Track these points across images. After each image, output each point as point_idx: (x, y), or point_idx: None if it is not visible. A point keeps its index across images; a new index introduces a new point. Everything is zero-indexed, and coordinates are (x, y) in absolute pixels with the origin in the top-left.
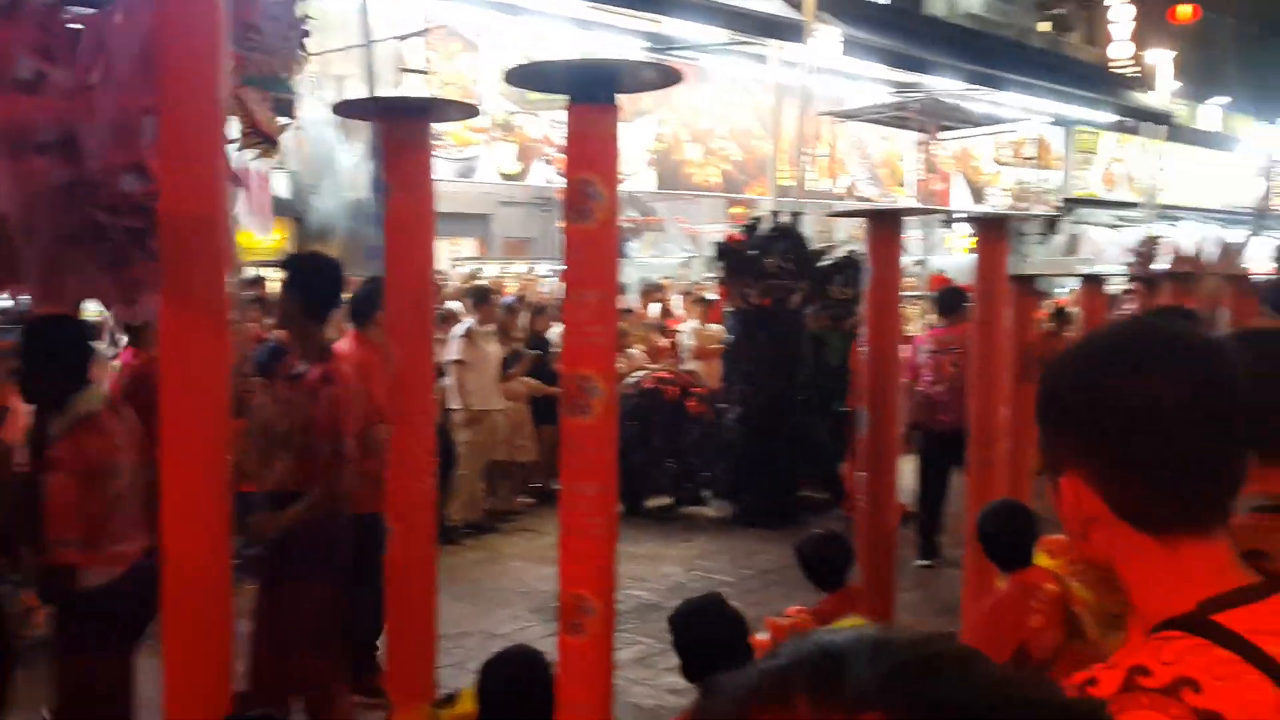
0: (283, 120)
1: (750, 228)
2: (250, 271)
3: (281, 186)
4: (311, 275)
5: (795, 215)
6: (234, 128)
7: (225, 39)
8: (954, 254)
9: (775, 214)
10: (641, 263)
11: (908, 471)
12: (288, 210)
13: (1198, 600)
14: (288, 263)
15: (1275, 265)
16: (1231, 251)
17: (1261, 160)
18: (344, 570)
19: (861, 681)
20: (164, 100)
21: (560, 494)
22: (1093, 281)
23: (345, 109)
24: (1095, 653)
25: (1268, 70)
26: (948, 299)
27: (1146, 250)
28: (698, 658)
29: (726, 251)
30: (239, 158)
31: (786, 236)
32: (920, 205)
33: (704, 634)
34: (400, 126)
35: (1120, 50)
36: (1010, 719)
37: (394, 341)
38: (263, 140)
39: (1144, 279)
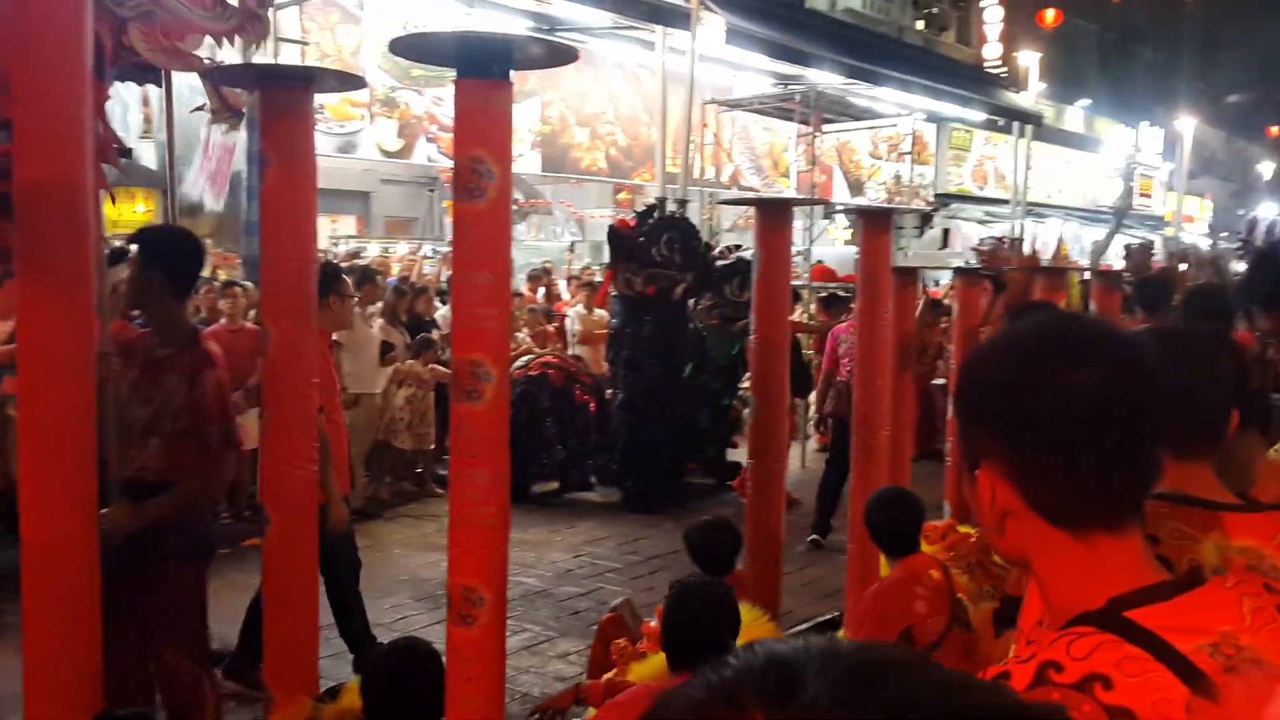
0: (152, 87)
1: (643, 215)
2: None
3: (149, 157)
4: (172, 250)
5: (682, 203)
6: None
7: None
8: (836, 245)
9: (663, 201)
10: (528, 246)
11: (795, 458)
12: (156, 182)
13: (1109, 596)
14: (143, 237)
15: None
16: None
17: (1122, 161)
18: (208, 562)
19: (813, 689)
20: (22, 61)
21: (450, 482)
22: (966, 275)
23: (220, 76)
24: (978, 640)
25: (1127, 75)
26: None
27: (994, 248)
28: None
29: (615, 236)
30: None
31: (675, 226)
32: (806, 196)
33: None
34: (280, 96)
35: (991, 51)
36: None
37: (270, 321)
38: (231, 114)
39: (993, 276)
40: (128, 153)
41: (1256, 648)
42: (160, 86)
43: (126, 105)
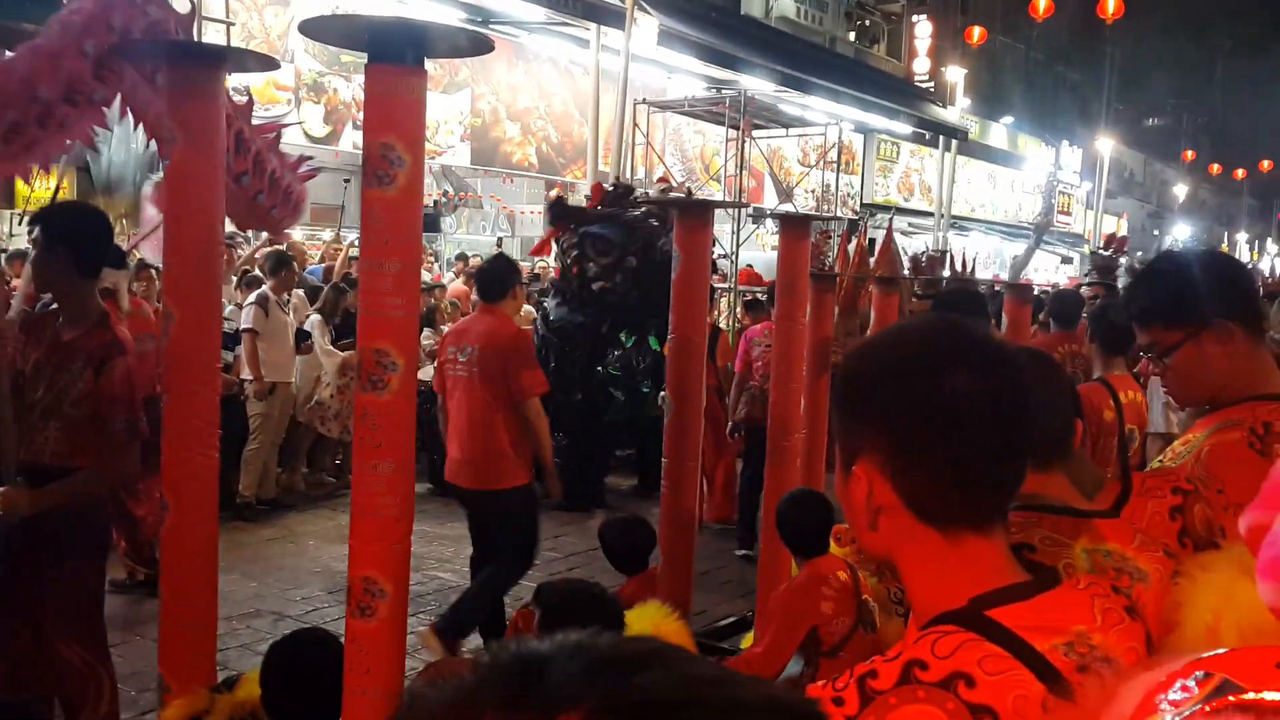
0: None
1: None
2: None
3: None
4: (80, 228)
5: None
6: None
7: None
8: (765, 250)
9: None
10: (457, 239)
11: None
12: (72, 160)
13: (970, 596)
14: (48, 215)
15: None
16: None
17: (1043, 178)
18: (104, 554)
19: (561, 682)
20: None
21: (353, 472)
22: (886, 284)
23: (131, 52)
24: (882, 641)
25: (1050, 94)
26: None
27: (927, 263)
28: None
29: (557, 205)
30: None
31: (595, 235)
32: (727, 199)
33: (579, 620)
34: (189, 74)
35: (920, 65)
36: (715, 711)
37: (173, 304)
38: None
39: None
40: None
41: (1107, 646)
42: None
43: None
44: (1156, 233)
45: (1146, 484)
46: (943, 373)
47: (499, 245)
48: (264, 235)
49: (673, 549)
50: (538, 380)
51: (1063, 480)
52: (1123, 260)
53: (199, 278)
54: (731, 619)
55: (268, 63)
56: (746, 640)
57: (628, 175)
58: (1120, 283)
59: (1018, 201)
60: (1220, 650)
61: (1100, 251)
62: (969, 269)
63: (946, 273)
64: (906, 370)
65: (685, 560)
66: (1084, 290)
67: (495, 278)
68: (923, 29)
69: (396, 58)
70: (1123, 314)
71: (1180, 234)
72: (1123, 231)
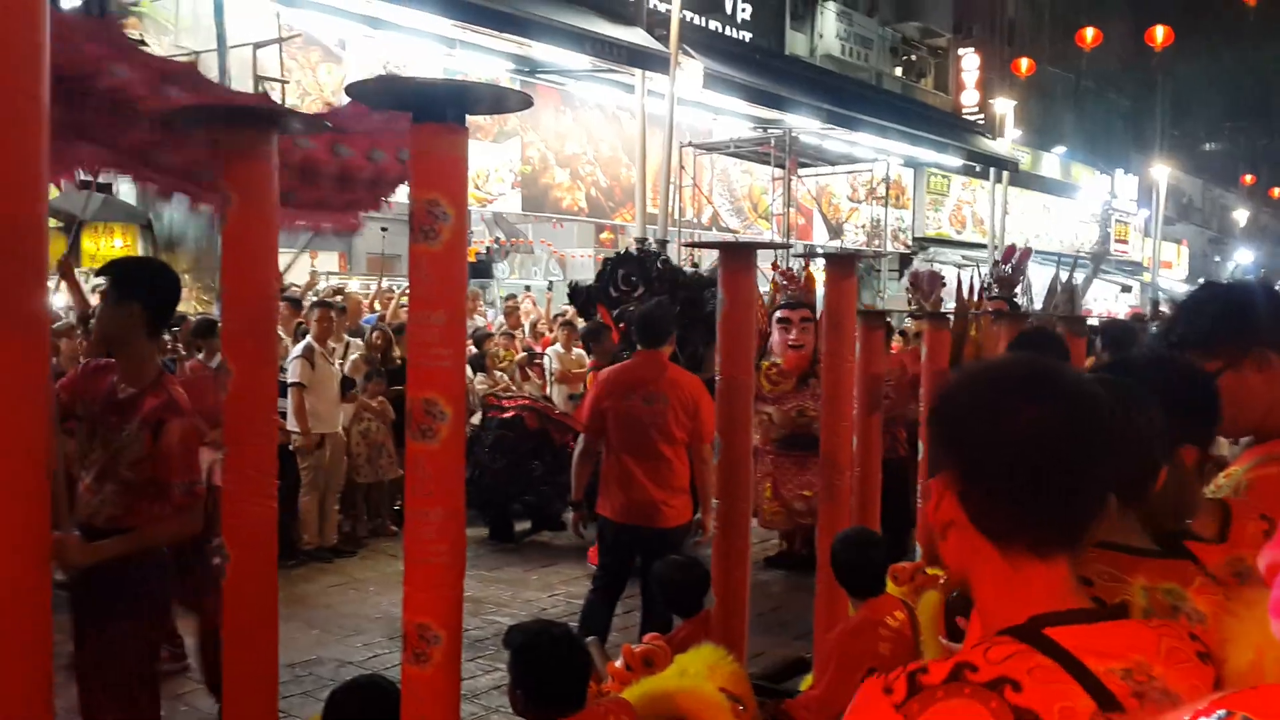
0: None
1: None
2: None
3: (128, 193)
4: (152, 284)
5: (662, 243)
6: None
7: (46, 30)
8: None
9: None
10: (509, 284)
11: None
12: (136, 216)
13: (1030, 614)
14: (122, 268)
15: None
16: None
17: (1098, 207)
18: (158, 622)
19: None
20: None
21: (405, 520)
22: (937, 319)
23: (184, 115)
24: None
25: (1102, 122)
26: (594, 334)
27: (926, 282)
28: (537, 683)
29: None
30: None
31: (627, 260)
32: (780, 239)
33: (544, 660)
34: (241, 135)
35: (968, 98)
36: None
37: (231, 358)
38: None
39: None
40: (106, 186)
41: (1169, 680)
42: None
43: None
44: (1218, 259)
45: (1237, 508)
46: (1016, 402)
47: (550, 290)
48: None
49: (727, 590)
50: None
51: (1132, 519)
52: (1025, 274)
53: (255, 333)
54: (788, 660)
55: (317, 124)
56: (805, 682)
57: (676, 216)
58: (1020, 299)
59: (1073, 231)
60: (1244, 689)
61: (999, 265)
62: (973, 292)
63: (950, 295)
64: (984, 397)
65: (740, 601)
66: (989, 306)
67: (659, 324)
68: (969, 61)
69: (439, 117)
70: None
71: (1243, 259)
72: (1183, 259)
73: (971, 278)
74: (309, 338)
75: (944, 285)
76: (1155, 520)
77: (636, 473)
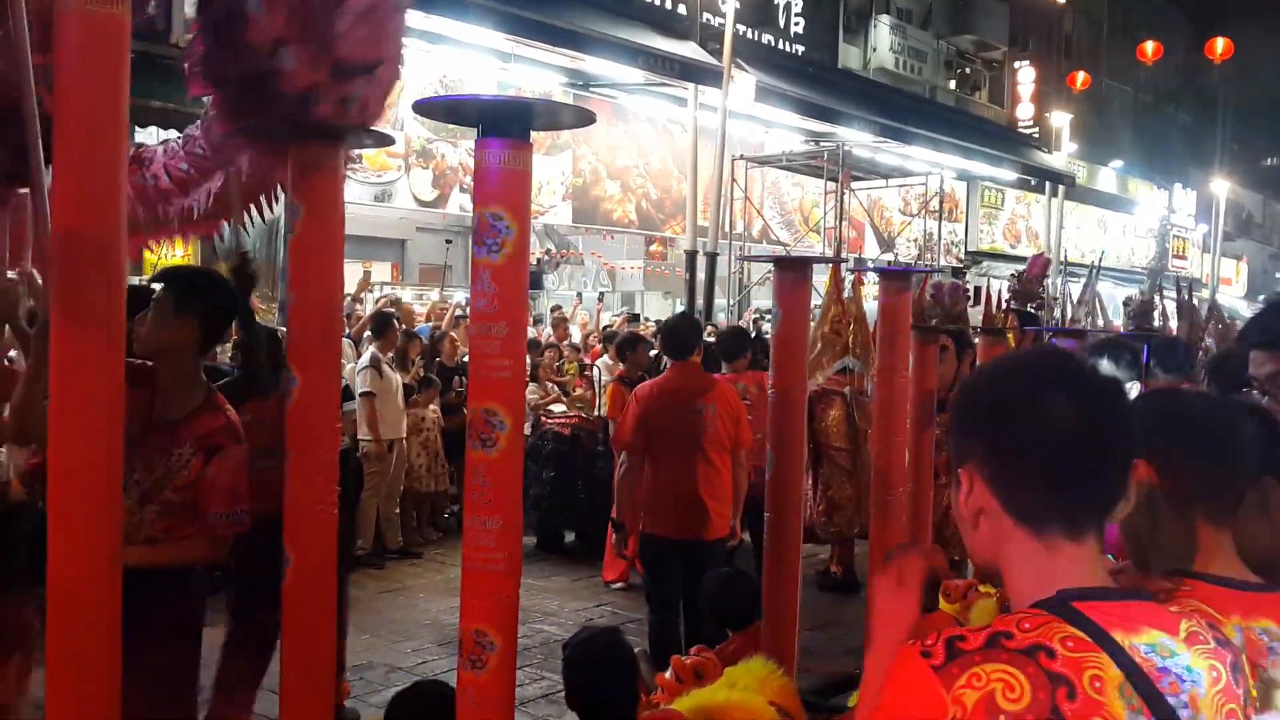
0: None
1: None
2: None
3: None
4: (211, 296)
5: (712, 256)
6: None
7: (127, 54)
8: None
9: (692, 254)
10: (558, 295)
11: None
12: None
13: (1059, 588)
14: (180, 277)
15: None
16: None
17: (1156, 222)
18: (188, 646)
19: None
20: (62, 110)
21: (463, 528)
22: (992, 334)
23: (254, 129)
24: None
25: (1160, 137)
26: (731, 342)
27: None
28: (586, 690)
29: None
30: None
31: None
32: (833, 253)
33: (596, 668)
34: (310, 150)
35: (1024, 111)
36: None
37: (296, 367)
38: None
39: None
40: None
41: (1191, 658)
42: None
43: None
44: (1279, 275)
45: None
46: (1039, 390)
47: (601, 301)
48: (377, 296)
49: (776, 603)
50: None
51: (1228, 544)
52: (1046, 283)
53: (320, 342)
54: (838, 676)
55: (383, 139)
56: (852, 699)
57: (726, 229)
58: (1043, 309)
59: (1130, 246)
60: None
61: (1018, 275)
62: (998, 304)
63: (977, 308)
64: (1008, 387)
65: (790, 615)
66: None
67: (686, 335)
68: (1025, 75)
69: (504, 133)
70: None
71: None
72: (1242, 276)
73: (1000, 290)
74: (373, 348)
75: (968, 298)
76: (1256, 550)
77: (692, 484)
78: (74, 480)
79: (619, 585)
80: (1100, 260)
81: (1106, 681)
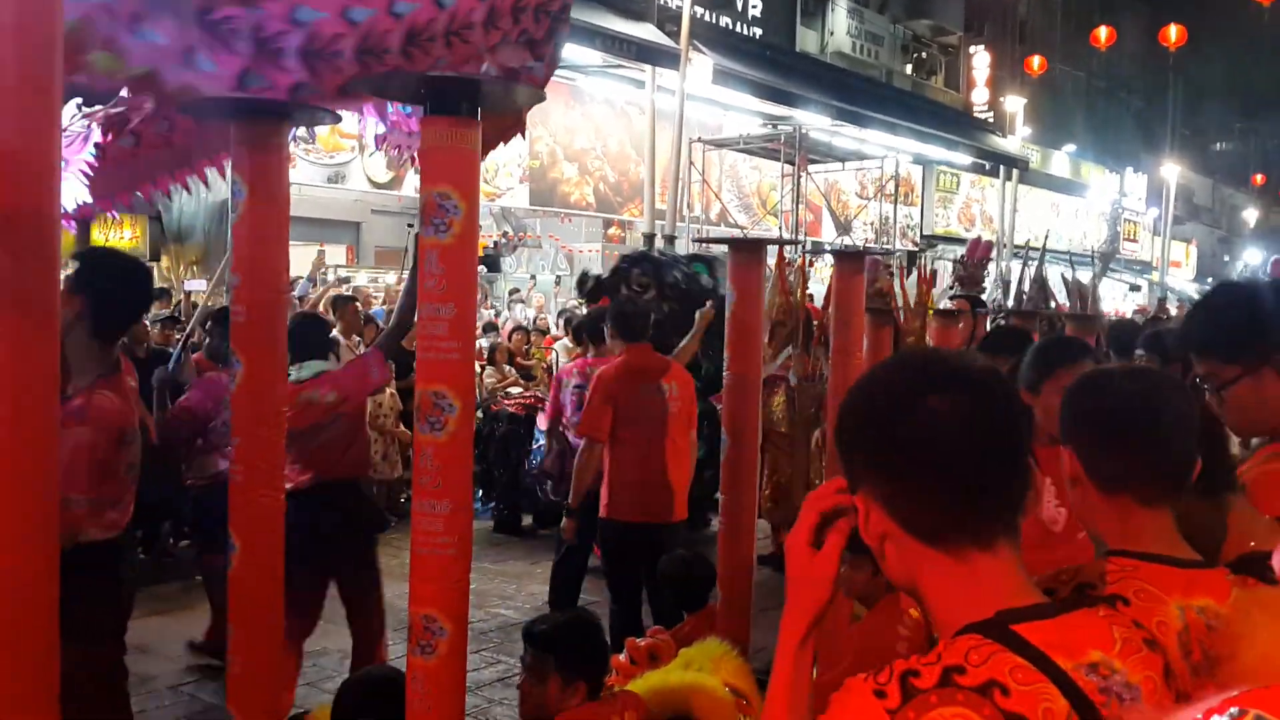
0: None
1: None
2: None
3: None
4: (108, 277)
5: (670, 239)
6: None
7: (60, 25)
8: (824, 284)
9: (650, 237)
10: (516, 278)
11: None
12: (142, 208)
13: (996, 609)
14: (81, 255)
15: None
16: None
17: (1108, 206)
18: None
19: None
20: None
21: (412, 512)
22: (945, 316)
23: (197, 108)
24: None
25: (1113, 121)
26: (593, 325)
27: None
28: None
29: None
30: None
31: (644, 260)
32: (789, 235)
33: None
34: (255, 128)
35: (979, 96)
36: None
37: (240, 350)
38: None
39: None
40: None
41: (1127, 673)
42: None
43: None
44: (1227, 259)
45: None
46: (918, 398)
47: (558, 284)
48: (330, 279)
49: (731, 586)
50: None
51: (1168, 523)
52: (990, 269)
53: (264, 325)
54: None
55: (332, 117)
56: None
57: (684, 212)
58: (987, 295)
59: (1082, 230)
60: (1256, 687)
61: (961, 261)
62: (935, 286)
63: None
64: (885, 400)
65: (744, 597)
66: (951, 304)
67: (639, 319)
68: (980, 59)
69: (452, 110)
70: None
71: (1252, 259)
72: (1192, 259)
73: (929, 268)
74: (334, 332)
75: (891, 275)
76: (1194, 531)
77: (661, 466)
78: (10, 462)
79: None
80: (1045, 241)
81: (1056, 714)
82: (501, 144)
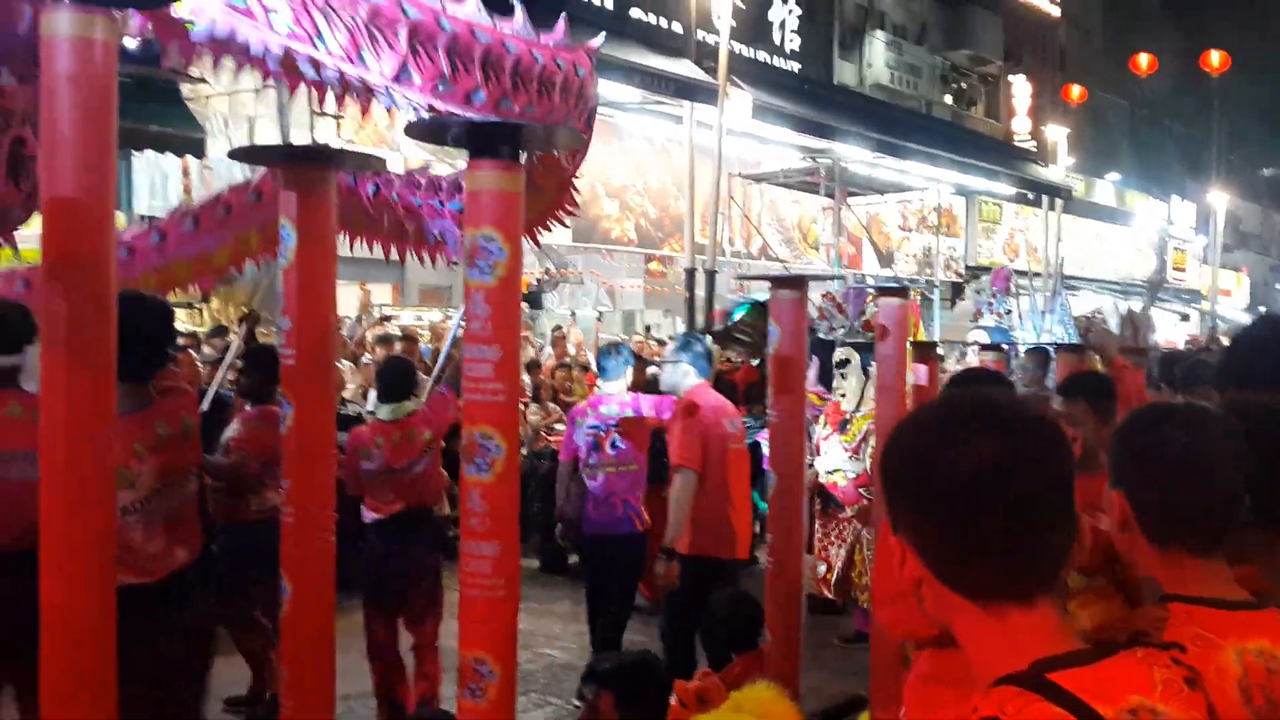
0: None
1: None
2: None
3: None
4: (138, 321)
5: (710, 274)
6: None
7: (115, 83)
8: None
9: (690, 272)
10: (559, 315)
11: None
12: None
13: (1031, 660)
14: None
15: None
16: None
17: (1155, 234)
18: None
19: None
20: (48, 135)
21: (460, 554)
22: (991, 349)
23: (245, 155)
24: None
25: (1158, 149)
26: (609, 359)
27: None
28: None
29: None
30: None
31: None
32: (830, 269)
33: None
34: (302, 174)
35: (1020, 125)
36: None
37: (291, 394)
38: None
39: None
40: None
41: (1171, 715)
42: (200, 158)
43: (166, 174)
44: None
45: None
46: (954, 444)
47: (600, 320)
48: (374, 315)
49: (780, 626)
50: None
51: (1220, 563)
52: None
53: (314, 369)
54: (846, 696)
55: (377, 163)
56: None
57: (725, 246)
58: (1015, 325)
59: (1129, 259)
60: None
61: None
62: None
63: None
64: (923, 445)
65: (793, 637)
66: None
67: (710, 353)
68: (1021, 88)
69: (494, 154)
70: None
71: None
72: (1243, 287)
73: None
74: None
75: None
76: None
77: (739, 503)
78: (66, 506)
79: None
80: (1061, 266)
81: None
82: (544, 229)
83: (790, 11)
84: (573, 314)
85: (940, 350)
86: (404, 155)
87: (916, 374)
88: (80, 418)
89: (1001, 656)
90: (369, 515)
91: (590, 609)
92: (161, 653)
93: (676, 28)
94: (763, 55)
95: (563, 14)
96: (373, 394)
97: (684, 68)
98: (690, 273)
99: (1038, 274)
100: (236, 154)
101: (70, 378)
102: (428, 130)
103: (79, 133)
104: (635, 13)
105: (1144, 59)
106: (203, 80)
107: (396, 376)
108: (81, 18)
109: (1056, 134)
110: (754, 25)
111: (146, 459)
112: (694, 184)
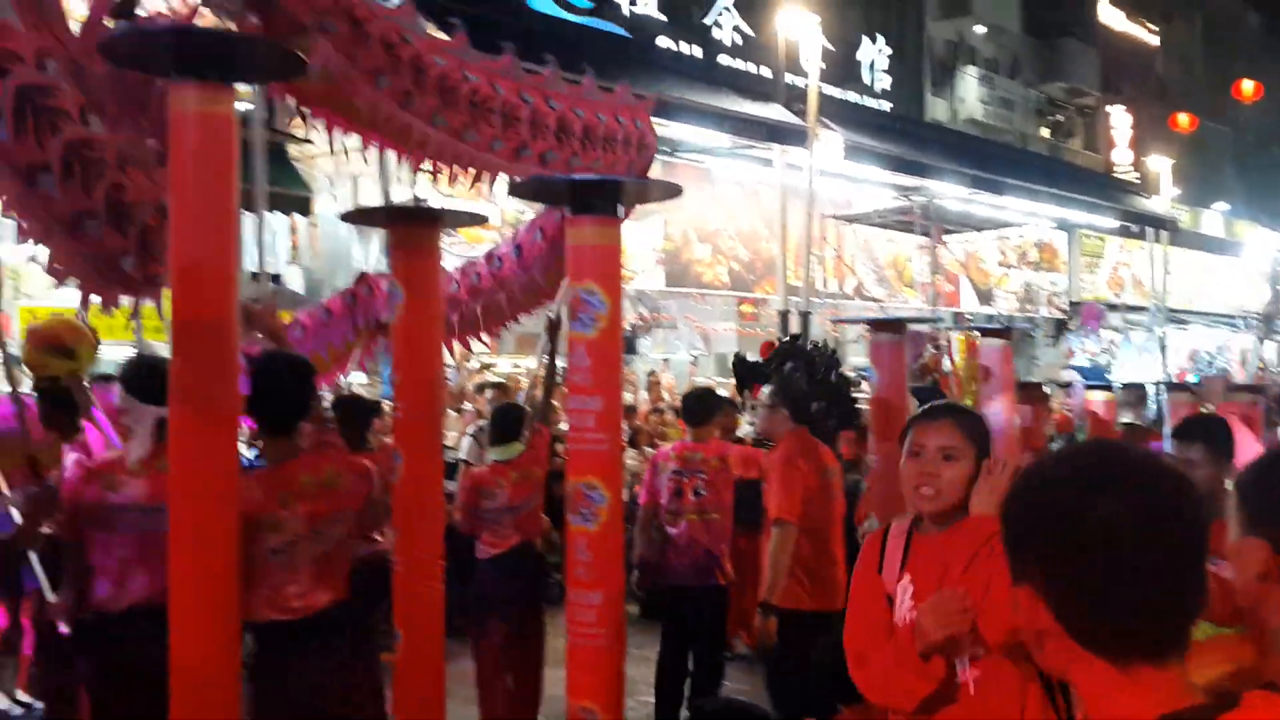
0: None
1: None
2: None
3: (296, 281)
4: (275, 378)
5: (805, 315)
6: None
7: (236, 148)
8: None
9: (784, 314)
10: (653, 360)
11: None
12: (302, 304)
13: (1158, 714)
14: (249, 360)
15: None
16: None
17: (1267, 265)
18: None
19: None
20: (178, 203)
21: (566, 603)
22: (1099, 388)
23: (354, 217)
24: None
25: (1266, 176)
26: (696, 405)
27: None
28: None
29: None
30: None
31: (799, 355)
32: (928, 309)
33: None
34: (409, 233)
35: (1120, 156)
36: None
37: (401, 445)
38: None
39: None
40: (276, 277)
41: None
42: (306, 215)
43: (275, 232)
44: None
45: None
46: (1091, 499)
47: (694, 364)
48: (475, 365)
49: None
50: None
51: None
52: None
53: (423, 420)
54: None
55: (478, 219)
56: None
57: (820, 287)
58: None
59: (1239, 290)
60: None
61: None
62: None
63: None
64: (1056, 498)
65: None
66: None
67: (809, 399)
68: (1120, 119)
69: (594, 210)
70: None
71: None
72: None
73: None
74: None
75: (938, 350)
76: None
77: (837, 553)
78: (193, 559)
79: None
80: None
81: None
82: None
83: (880, 51)
84: (666, 359)
85: (1046, 389)
86: (500, 207)
87: (1022, 415)
88: (204, 474)
89: (1125, 710)
90: (486, 551)
91: (663, 655)
92: (290, 690)
93: (765, 72)
94: (853, 95)
95: (623, 82)
96: (465, 440)
97: (774, 112)
98: (784, 315)
99: (1143, 308)
100: (348, 217)
101: (194, 435)
102: (531, 189)
103: (201, 201)
104: (724, 59)
105: (1248, 85)
106: (308, 141)
107: (508, 421)
108: (207, 94)
109: (1160, 164)
110: (843, 66)
111: (292, 505)
112: (786, 226)
